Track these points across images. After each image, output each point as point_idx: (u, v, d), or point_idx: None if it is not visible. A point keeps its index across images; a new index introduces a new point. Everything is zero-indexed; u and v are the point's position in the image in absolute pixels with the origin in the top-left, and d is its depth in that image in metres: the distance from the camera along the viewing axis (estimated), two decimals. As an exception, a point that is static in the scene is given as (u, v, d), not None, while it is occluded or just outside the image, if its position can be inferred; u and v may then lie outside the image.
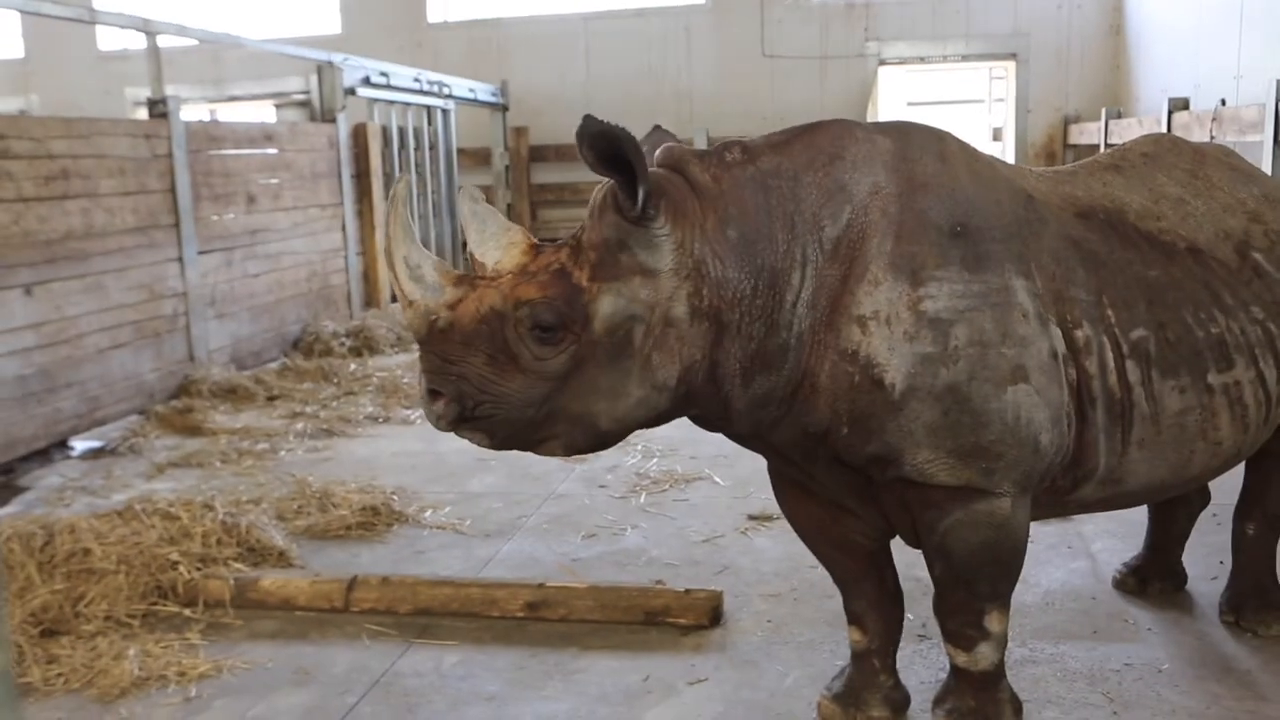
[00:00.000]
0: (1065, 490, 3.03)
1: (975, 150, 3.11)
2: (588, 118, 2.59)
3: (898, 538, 3.20)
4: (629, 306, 2.71)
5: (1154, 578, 4.13)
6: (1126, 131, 11.23)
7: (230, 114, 15.64)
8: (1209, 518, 4.35)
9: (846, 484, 3.01)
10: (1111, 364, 2.94)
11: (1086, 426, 2.94)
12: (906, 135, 2.99)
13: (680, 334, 2.74)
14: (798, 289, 2.80)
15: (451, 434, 2.80)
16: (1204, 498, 4.11)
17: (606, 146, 2.61)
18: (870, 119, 14.27)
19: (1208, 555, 4.35)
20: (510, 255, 2.77)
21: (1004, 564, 2.97)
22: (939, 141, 3.01)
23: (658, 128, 3.17)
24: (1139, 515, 4.30)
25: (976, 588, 2.96)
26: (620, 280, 2.71)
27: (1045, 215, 3.03)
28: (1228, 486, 4.02)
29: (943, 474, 2.84)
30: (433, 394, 2.77)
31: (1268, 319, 3.17)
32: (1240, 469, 3.83)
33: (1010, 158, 14.39)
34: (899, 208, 2.84)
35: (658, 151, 2.95)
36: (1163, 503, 4.02)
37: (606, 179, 2.74)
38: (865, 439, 2.83)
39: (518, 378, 2.73)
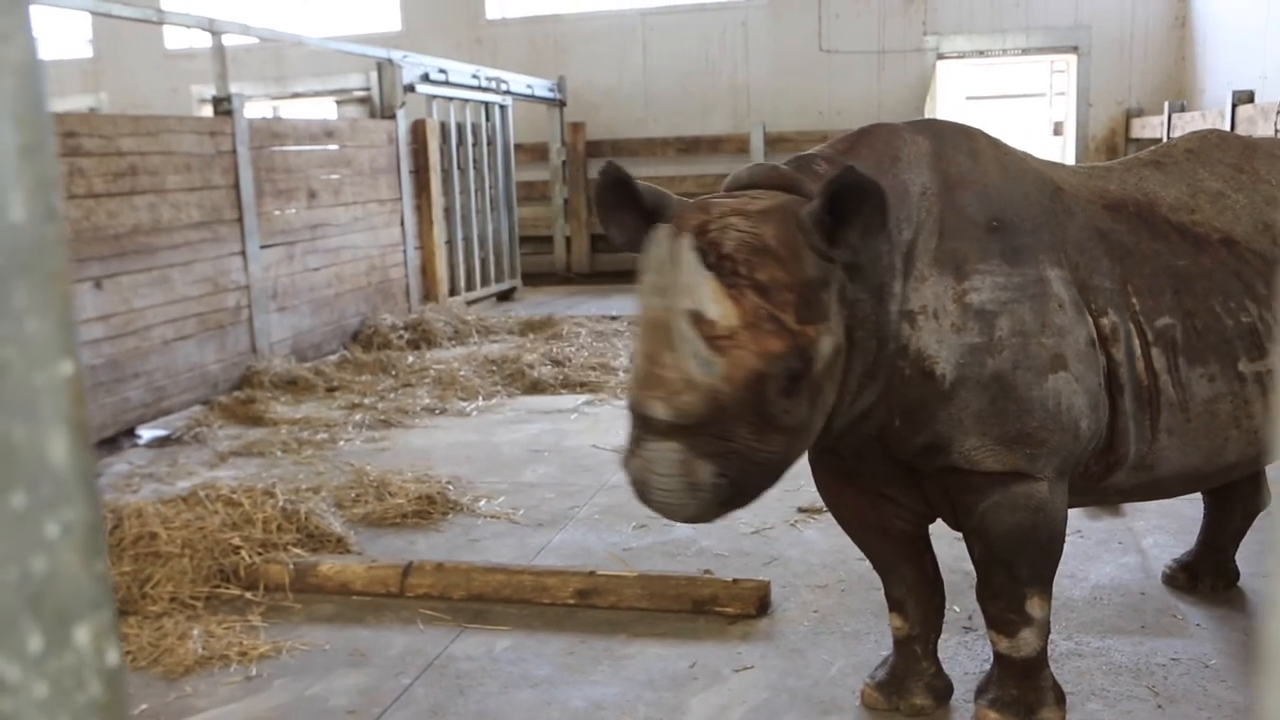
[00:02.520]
0: (1099, 476, 3.08)
1: (1003, 144, 3.18)
2: (850, 168, 2.55)
3: (936, 524, 3.25)
4: (834, 343, 2.67)
5: (1205, 574, 4.12)
6: (1190, 125, 11.07)
7: (292, 111, 15.92)
8: (1266, 517, 4.32)
9: (890, 473, 3.07)
10: (1138, 351, 3.00)
11: (1116, 413, 3.00)
12: (940, 134, 3.07)
13: (840, 360, 2.72)
14: (899, 298, 2.84)
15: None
16: (1265, 497, 4.09)
17: (850, 197, 2.57)
18: (929, 114, 14.19)
19: (1262, 552, 4.33)
20: (728, 308, 2.53)
21: (1042, 546, 3.01)
22: (968, 139, 3.08)
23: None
24: (1192, 511, 4.29)
25: (1016, 570, 3.00)
26: (827, 319, 2.65)
27: (1072, 207, 3.09)
28: (1282, 484, 4.00)
29: (989, 460, 2.89)
30: (717, 478, 2.53)
31: None
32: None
33: (1071, 151, 14.23)
34: (941, 206, 2.92)
35: (746, 172, 2.88)
36: (1220, 500, 4.02)
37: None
38: (916, 430, 2.89)
39: (776, 438, 2.61)
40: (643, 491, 2.60)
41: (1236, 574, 4.14)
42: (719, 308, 2.52)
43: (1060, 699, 3.17)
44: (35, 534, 0.41)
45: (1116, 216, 3.16)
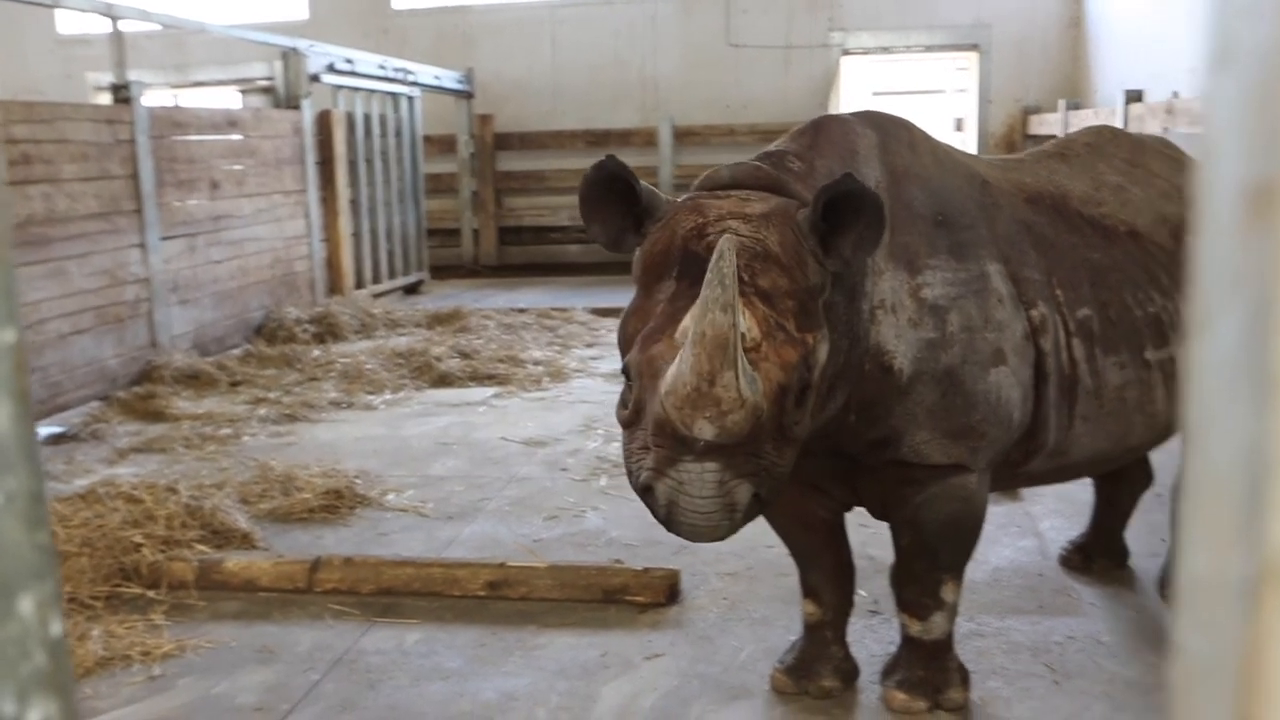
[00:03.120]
0: (1017, 463, 3.18)
1: (932, 137, 3.24)
2: (849, 176, 2.52)
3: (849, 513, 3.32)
4: (828, 349, 2.64)
5: (1098, 555, 4.26)
6: (1084, 122, 11.40)
7: (194, 100, 15.55)
8: (1152, 497, 4.49)
9: (827, 466, 3.10)
10: (1062, 342, 3.08)
11: (1041, 402, 3.09)
12: (883, 126, 3.09)
13: (823, 364, 2.70)
14: (871, 296, 2.85)
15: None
16: (1148, 478, 4.25)
17: (847, 205, 2.53)
18: (833, 109, 14.39)
19: (1150, 533, 4.49)
20: (749, 320, 2.45)
21: (966, 535, 3.11)
22: (907, 131, 3.13)
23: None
24: (1084, 495, 4.44)
25: (939, 558, 3.08)
26: (823, 326, 2.62)
27: (999, 200, 3.17)
28: (1171, 467, 4.16)
29: (936, 454, 2.95)
30: (754, 498, 2.48)
31: None
32: (1178, 449, 3.98)
33: (972, 148, 14.55)
34: (891, 199, 2.93)
35: (727, 171, 2.83)
36: (1108, 482, 4.17)
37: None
38: (871, 425, 2.92)
39: (789, 450, 2.56)
40: (671, 513, 2.48)
41: (1126, 553, 4.29)
42: (744, 320, 2.42)
43: (965, 679, 3.27)
44: (-22, 503, 0.41)
45: (1037, 209, 3.25)
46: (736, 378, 2.36)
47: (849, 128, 3.02)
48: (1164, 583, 4.02)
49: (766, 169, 2.83)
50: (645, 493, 2.51)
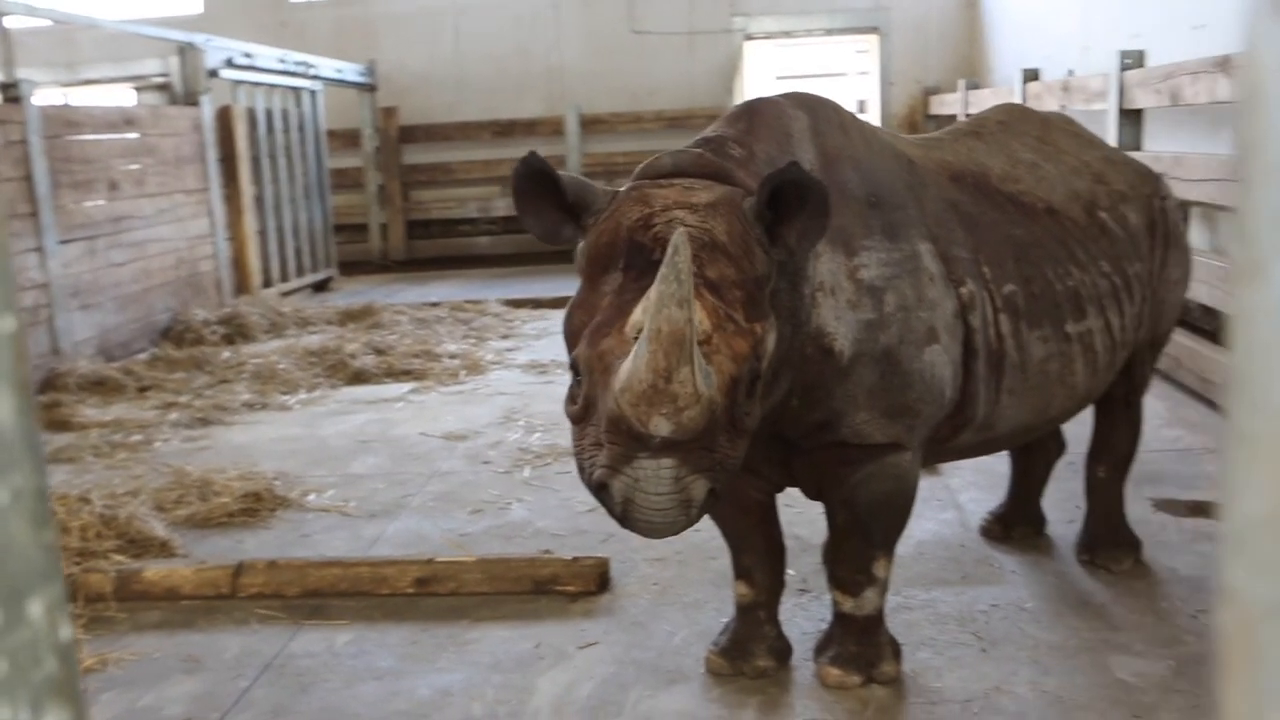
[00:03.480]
0: (946, 438, 3.23)
1: (859, 118, 3.27)
2: (794, 164, 2.49)
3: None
4: (776, 338, 2.63)
5: (1016, 524, 4.36)
6: (983, 101, 11.62)
7: (85, 98, 15.09)
8: (1064, 465, 4.60)
9: (763, 449, 3.11)
10: (990, 317, 3.14)
11: (970, 378, 3.14)
12: (814, 108, 3.10)
13: (771, 353, 2.69)
14: (813, 281, 2.84)
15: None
16: (1061, 447, 4.36)
17: (793, 191, 2.51)
18: (738, 94, 14.47)
19: (1064, 500, 4.61)
20: (700, 312, 2.41)
21: (899, 513, 3.16)
22: (837, 112, 3.15)
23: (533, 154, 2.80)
24: (1002, 466, 4.53)
25: (873, 536, 3.13)
26: (770, 315, 2.60)
27: (925, 179, 3.21)
28: (1082, 436, 4.27)
29: (876, 433, 2.98)
30: (710, 494, 2.46)
31: (1113, 272, 3.43)
32: (1089, 419, 4.09)
33: (874, 130, 14.73)
34: (825, 181, 2.91)
35: (669, 159, 2.78)
36: (1023, 453, 4.26)
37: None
38: (813, 407, 2.93)
39: (741, 442, 2.54)
40: (628, 511, 2.45)
41: (1044, 521, 4.39)
42: (697, 312, 2.39)
43: (896, 653, 3.32)
44: (-14, 502, 0.39)
45: (961, 187, 3.30)
46: (693, 373, 2.33)
47: (781, 110, 3.02)
48: (1081, 548, 4.12)
49: (709, 156, 2.81)
50: (600, 490, 2.48)
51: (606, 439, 2.45)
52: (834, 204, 2.90)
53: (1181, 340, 6.23)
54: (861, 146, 3.09)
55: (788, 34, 14.88)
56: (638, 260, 2.52)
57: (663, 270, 2.33)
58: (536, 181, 2.69)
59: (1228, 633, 0.39)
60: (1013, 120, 3.72)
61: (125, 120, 9.07)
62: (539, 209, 2.71)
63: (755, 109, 3.05)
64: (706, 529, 4.53)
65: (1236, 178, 0.36)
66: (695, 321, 2.35)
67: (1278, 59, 0.36)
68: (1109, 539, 4.07)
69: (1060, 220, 3.42)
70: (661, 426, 2.37)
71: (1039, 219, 3.38)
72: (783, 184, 2.52)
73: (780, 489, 3.35)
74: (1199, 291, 5.62)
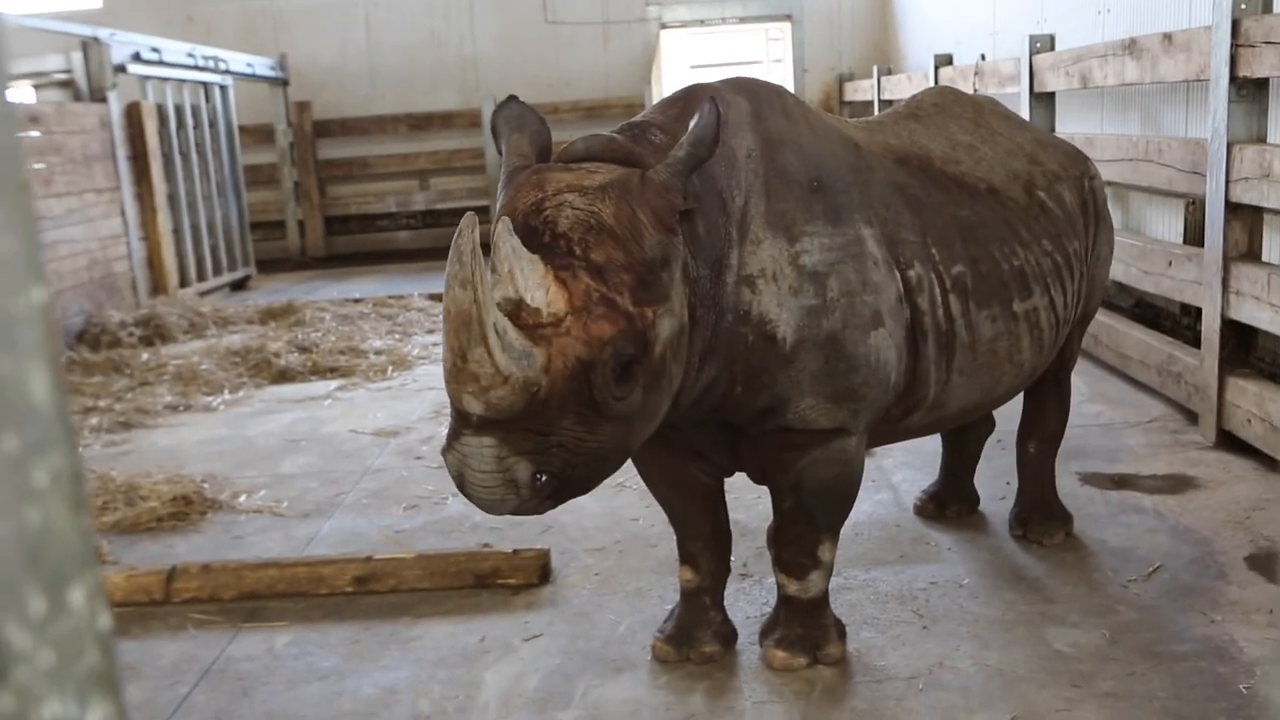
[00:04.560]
0: (897, 419, 3.26)
1: (805, 103, 3.27)
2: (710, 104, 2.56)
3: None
4: (674, 324, 2.61)
5: (950, 502, 4.42)
6: (897, 87, 11.77)
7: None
8: (994, 443, 4.68)
9: (710, 435, 3.12)
10: (939, 299, 3.16)
11: (919, 359, 3.15)
12: (755, 94, 3.09)
13: (684, 339, 2.68)
14: (735, 267, 2.83)
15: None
16: (990, 425, 4.43)
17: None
18: (654, 82, 14.48)
19: (995, 478, 4.69)
20: (554, 294, 2.43)
21: (845, 497, 3.18)
22: (780, 97, 3.14)
23: (513, 99, 2.95)
24: (933, 445, 4.59)
25: (817, 520, 3.14)
26: (668, 300, 2.58)
27: (871, 163, 3.21)
28: (1010, 414, 4.34)
29: (822, 419, 2.99)
30: (534, 476, 2.47)
31: (1054, 250, 3.49)
32: (1018, 397, 4.16)
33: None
34: (765, 167, 2.94)
35: (582, 143, 2.81)
36: (954, 432, 4.32)
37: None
38: (756, 395, 2.93)
39: (605, 427, 2.53)
40: (461, 485, 2.54)
41: (977, 499, 4.46)
42: (544, 294, 2.42)
43: (842, 634, 3.35)
44: (26, 483, 0.36)
45: (907, 170, 3.31)
46: (490, 353, 2.37)
47: (720, 96, 3.01)
48: (1014, 523, 4.20)
49: (621, 141, 2.81)
50: (445, 463, 2.58)
51: (451, 416, 2.54)
52: (775, 190, 2.92)
53: (1100, 318, 6.37)
54: (805, 131, 3.09)
55: (702, 22, 14.93)
56: (531, 243, 2.51)
57: (450, 253, 2.40)
58: (513, 126, 2.83)
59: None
60: (946, 103, 3.76)
61: (29, 117, 8.79)
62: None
63: (691, 94, 3.04)
64: (643, 518, 4.54)
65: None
66: (484, 301, 2.38)
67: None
68: (1041, 514, 4.15)
69: (1002, 200, 3.46)
70: (472, 405, 2.44)
71: (983, 199, 3.41)
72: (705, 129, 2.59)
73: (728, 474, 3.35)
74: (1114, 270, 5.74)
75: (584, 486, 2.64)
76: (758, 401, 2.95)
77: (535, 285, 2.43)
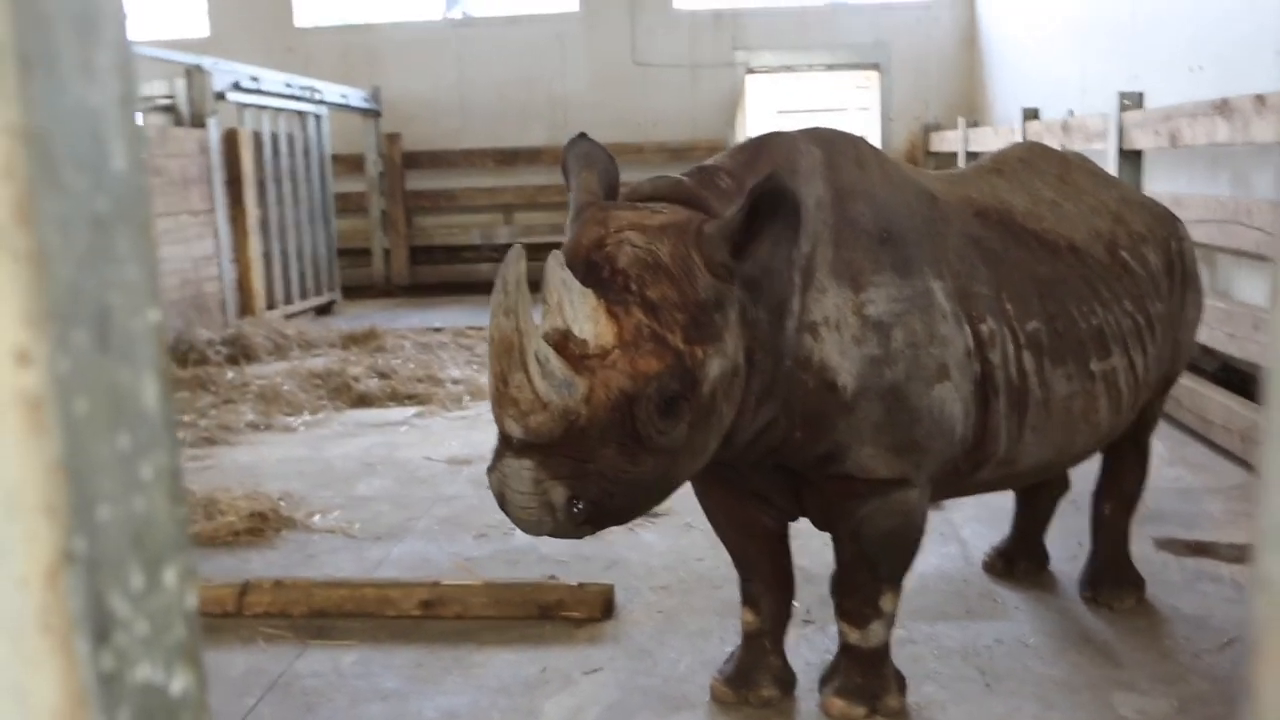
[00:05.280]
0: (966, 473, 3.23)
1: (882, 153, 3.28)
2: (774, 172, 2.57)
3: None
4: (726, 364, 2.66)
5: (1019, 559, 4.37)
6: (983, 139, 11.73)
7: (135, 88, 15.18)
8: (1068, 503, 4.62)
9: (773, 478, 3.14)
10: (1012, 354, 3.15)
11: (990, 414, 3.13)
12: (830, 143, 3.11)
13: (739, 381, 2.72)
14: (797, 313, 2.86)
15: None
16: (1064, 484, 4.37)
17: (767, 202, 2.57)
18: (739, 127, 14.59)
19: (1067, 537, 4.62)
20: (604, 327, 2.51)
21: (906, 547, 3.16)
22: (855, 148, 3.15)
23: (583, 136, 3.04)
24: (1005, 502, 4.55)
25: (879, 569, 3.13)
26: (720, 340, 2.63)
27: (948, 215, 3.22)
28: (1085, 473, 4.29)
29: (881, 468, 2.99)
30: (570, 501, 2.52)
31: (1136, 311, 3.46)
32: (1095, 456, 4.11)
33: (876, 165, 14.83)
34: (835, 216, 2.96)
35: (649, 184, 2.89)
36: (1027, 490, 4.28)
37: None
38: (816, 441, 2.94)
39: (648, 459, 2.57)
40: (501, 504, 2.61)
41: (1047, 557, 4.41)
42: (593, 326, 2.50)
43: (902, 686, 3.33)
44: (135, 476, 0.42)
45: (985, 224, 3.32)
46: (529, 380, 2.43)
47: (793, 145, 3.04)
48: (1084, 585, 4.14)
49: (688, 184, 2.87)
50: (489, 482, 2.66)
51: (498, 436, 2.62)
52: (844, 239, 2.94)
53: (1182, 381, 6.27)
54: (879, 182, 3.10)
55: (789, 68, 15.02)
56: (590, 278, 2.58)
57: (496, 282, 2.49)
58: (583, 163, 2.92)
59: (1263, 619, 0.42)
60: (1033, 158, 3.75)
61: (134, 141, 9.13)
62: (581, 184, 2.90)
63: (765, 143, 3.08)
64: (709, 558, 4.55)
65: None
66: (526, 330, 2.44)
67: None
68: (1113, 577, 4.08)
69: (1083, 258, 3.44)
70: (513, 428, 2.51)
71: (1063, 257, 3.39)
72: (763, 194, 2.57)
73: (792, 518, 3.36)
74: (1199, 332, 5.66)
75: (623, 516, 2.68)
76: (818, 447, 2.96)
77: (585, 318, 2.50)
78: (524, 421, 2.48)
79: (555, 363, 2.46)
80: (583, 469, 2.52)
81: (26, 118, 0.35)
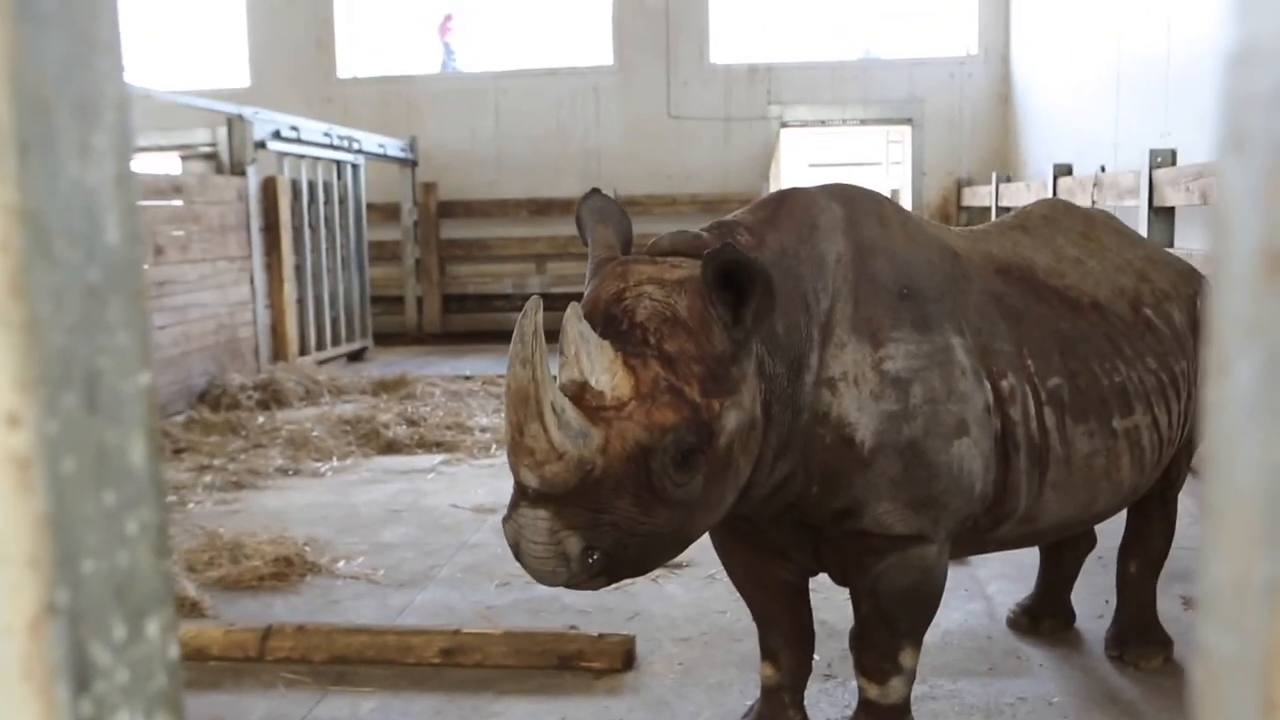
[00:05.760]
0: (986, 529, 3.22)
1: (905, 210, 3.31)
2: (727, 246, 2.60)
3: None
4: (743, 417, 2.68)
5: (1045, 617, 4.33)
6: (1015, 194, 11.74)
7: (133, 165, 15.45)
8: (1094, 560, 4.58)
9: (790, 533, 3.14)
10: (1032, 411, 3.14)
11: (1010, 470, 3.12)
12: (851, 200, 3.14)
13: (756, 434, 2.74)
14: (815, 369, 2.88)
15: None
16: (1090, 541, 4.34)
17: (734, 274, 2.59)
18: (773, 179, 14.68)
19: (1094, 595, 4.58)
20: (621, 379, 2.53)
21: (924, 604, 3.14)
22: (877, 205, 3.18)
23: (596, 191, 3.11)
24: (1030, 559, 4.52)
25: (898, 625, 3.12)
26: (736, 393, 2.65)
27: (969, 271, 3.23)
28: (1112, 531, 4.26)
29: (898, 524, 2.98)
30: (585, 551, 2.52)
31: (1159, 369, 3.45)
32: (1122, 513, 4.08)
33: (908, 218, 14.86)
34: (855, 273, 2.98)
35: (668, 239, 2.93)
36: (1053, 546, 4.25)
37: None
38: (833, 496, 2.94)
39: (663, 511, 2.58)
40: (516, 554, 2.62)
41: (1073, 615, 4.36)
42: (610, 378, 2.52)
43: (920, 741, 3.30)
44: (120, 531, 0.44)
45: (1007, 280, 3.33)
46: (545, 429, 2.45)
47: (813, 202, 3.07)
48: (1111, 643, 4.10)
49: (707, 238, 2.90)
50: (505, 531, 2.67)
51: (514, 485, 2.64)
52: (863, 295, 2.96)
53: (1213, 436, 6.21)
54: (900, 238, 3.12)
55: (823, 123, 15.12)
56: (609, 330, 2.62)
57: (514, 332, 2.53)
58: (597, 218, 2.95)
59: (1200, 685, 0.44)
60: (1057, 215, 3.77)
61: (173, 188, 9.30)
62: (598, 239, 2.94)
63: (785, 198, 3.11)
64: (730, 611, 4.54)
65: (1209, 290, 0.42)
66: (542, 379, 2.46)
67: (1239, 191, 0.41)
68: (1139, 636, 4.04)
69: (1106, 316, 3.44)
70: (528, 478, 2.52)
71: (1085, 314, 3.40)
72: (722, 265, 2.59)
73: (811, 574, 3.36)
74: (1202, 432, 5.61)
75: (638, 568, 2.69)
76: (835, 503, 2.96)
77: (601, 370, 2.53)
78: (539, 471, 2.50)
79: (571, 413, 2.48)
80: (598, 520, 2.53)
81: (23, 198, 0.38)
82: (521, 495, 2.58)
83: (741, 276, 2.60)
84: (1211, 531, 0.42)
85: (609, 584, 2.67)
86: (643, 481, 2.55)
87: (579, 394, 2.52)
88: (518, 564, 5.20)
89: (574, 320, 2.54)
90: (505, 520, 2.64)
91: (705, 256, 2.63)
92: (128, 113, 0.46)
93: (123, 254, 0.45)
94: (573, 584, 2.61)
